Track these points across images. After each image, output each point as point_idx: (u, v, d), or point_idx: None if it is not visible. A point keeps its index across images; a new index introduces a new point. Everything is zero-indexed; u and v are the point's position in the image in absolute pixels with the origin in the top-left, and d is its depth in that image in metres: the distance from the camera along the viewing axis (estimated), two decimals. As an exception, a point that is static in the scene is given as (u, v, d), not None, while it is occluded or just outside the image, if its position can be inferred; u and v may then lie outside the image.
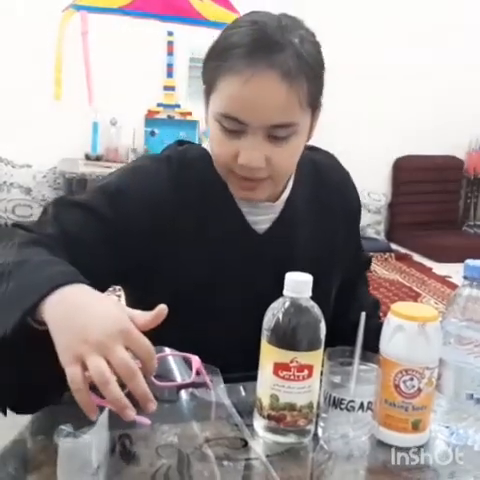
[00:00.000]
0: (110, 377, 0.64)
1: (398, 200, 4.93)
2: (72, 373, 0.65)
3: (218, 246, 0.98)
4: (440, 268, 4.26)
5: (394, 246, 4.71)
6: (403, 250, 4.66)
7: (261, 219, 1.01)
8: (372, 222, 4.72)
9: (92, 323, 0.67)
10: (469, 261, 0.81)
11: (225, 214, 0.99)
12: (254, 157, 0.89)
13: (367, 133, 4.28)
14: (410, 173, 4.89)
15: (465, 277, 0.81)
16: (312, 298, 0.78)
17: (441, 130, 4.74)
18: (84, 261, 0.82)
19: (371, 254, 1.36)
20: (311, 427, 0.79)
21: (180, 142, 1.06)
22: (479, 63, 4.72)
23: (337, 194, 1.09)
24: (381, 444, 0.79)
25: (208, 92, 0.93)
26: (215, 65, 0.90)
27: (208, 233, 0.98)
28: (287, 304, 0.77)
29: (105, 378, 0.64)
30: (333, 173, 1.11)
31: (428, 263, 4.43)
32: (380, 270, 4.10)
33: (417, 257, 4.57)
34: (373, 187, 4.53)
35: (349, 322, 0.85)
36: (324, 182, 1.08)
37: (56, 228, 0.90)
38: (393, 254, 4.54)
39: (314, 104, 0.92)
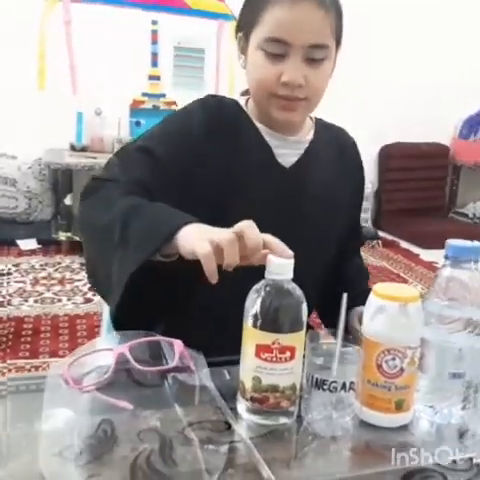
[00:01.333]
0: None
1: (385, 187, 4.94)
2: (201, 244, 0.80)
3: (247, 175, 1.09)
4: (427, 254, 4.28)
5: (381, 233, 4.73)
6: (390, 237, 4.68)
7: (288, 153, 1.13)
8: (359, 210, 4.72)
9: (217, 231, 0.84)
10: (450, 240, 0.81)
11: (255, 146, 1.11)
12: (296, 75, 1.02)
13: (353, 121, 4.26)
14: (396, 160, 4.90)
15: (446, 257, 0.81)
16: (315, 242, 0.82)
17: (427, 117, 4.74)
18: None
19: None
20: (294, 409, 0.78)
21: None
22: (464, 50, 4.72)
23: (350, 152, 1.25)
24: (364, 424, 0.79)
25: (248, 31, 1.07)
26: (259, 2, 1.04)
27: (239, 164, 1.09)
28: (269, 286, 0.77)
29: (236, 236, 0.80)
30: (345, 135, 1.27)
31: (415, 250, 4.45)
32: (367, 257, 4.11)
33: (404, 244, 4.59)
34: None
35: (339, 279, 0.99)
36: (339, 139, 1.24)
37: (126, 176, 1.04)
38: (380, 241, 4.55)
39: (338, 39, 1.07)
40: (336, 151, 1.21)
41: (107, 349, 0.75)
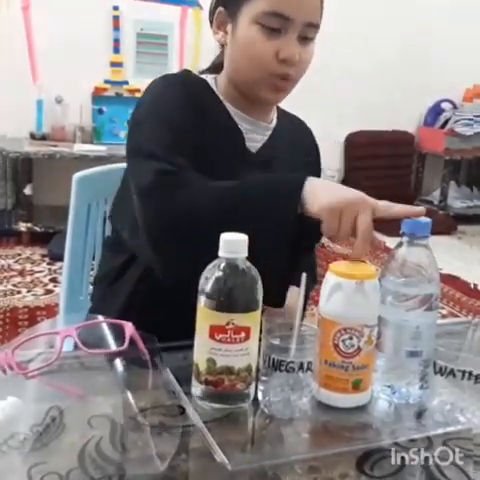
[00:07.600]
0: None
1: (351, 176, 4.95)
2: (331, 224, 0.85)
3: (216, 158, 1.04)
4: (392, 242, 4.28)
5: (347, 221, 4.73)
6: (356, 225, 4.70)
7: (256, 138, 1.12)
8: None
9: (347, 191, 0.89)
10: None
11: (225, 129, 1.09)
12: (294, 52, 1.01)
13: (318, 110, 4.27)
14: (362, 149, 4.91)
15: (403, 233, 0.80)
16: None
17: (392, 105, 4.76)
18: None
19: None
20: (250, 391, 0.76)
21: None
22: (428, 37, 4.75)
23: (308, 142, 1.26)
24: (322, 405, 0.78)
25: (238, 5, 1.02)
26: None
27: (209, 146, 1.04)
28: (222, 265, 0.74)
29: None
30: (301, 124, 1.27)
31: (380, 237, 4.47)
32: (333, 245, 4.13)
33: (370, 231, 4.61)
34: (326, 164, 4.48)
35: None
36: (296, 128, 1.23)
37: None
38: (346, 229, 4.55)
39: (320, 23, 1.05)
40: (295, 139, 1.20)
41: (53, 332, 0.72)
